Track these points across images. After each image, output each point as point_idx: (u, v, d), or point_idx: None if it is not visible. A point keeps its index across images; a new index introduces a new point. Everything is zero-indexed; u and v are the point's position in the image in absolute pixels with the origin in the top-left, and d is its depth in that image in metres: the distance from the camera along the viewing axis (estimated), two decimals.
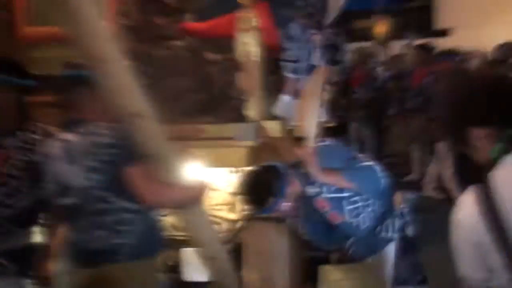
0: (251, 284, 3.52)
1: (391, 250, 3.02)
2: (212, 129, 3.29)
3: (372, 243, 3.02)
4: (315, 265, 4.02)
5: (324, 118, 4.90)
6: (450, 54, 6.62)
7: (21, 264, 2.54)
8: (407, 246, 3.02)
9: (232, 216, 3.64)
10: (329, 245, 3.19)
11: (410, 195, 3.15)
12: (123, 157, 2.21)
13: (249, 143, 3.17)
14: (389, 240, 3.00)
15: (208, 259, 3.10)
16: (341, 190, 2.83)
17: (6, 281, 2.52)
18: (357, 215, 2.88)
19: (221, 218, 3.67)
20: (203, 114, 3.36)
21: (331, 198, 2.84)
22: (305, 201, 2.90)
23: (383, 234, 2.99)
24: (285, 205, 2.83)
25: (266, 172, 2.84)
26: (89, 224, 2.29)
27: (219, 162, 3.33)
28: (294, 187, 2.85)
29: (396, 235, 3.00)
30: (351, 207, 2.86)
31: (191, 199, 2.48)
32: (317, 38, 4.18)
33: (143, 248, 2.34)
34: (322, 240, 3.15)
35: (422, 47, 6.54)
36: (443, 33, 6.24)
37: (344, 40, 4.97)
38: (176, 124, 3.38)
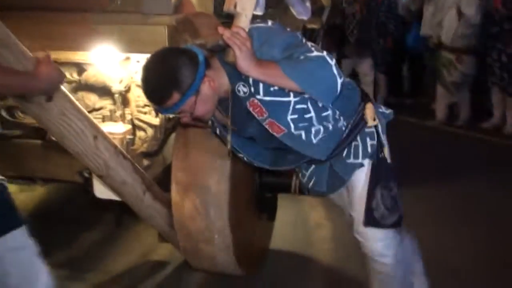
0: (176, 207, 2.78)
1: (360, 180, 2.25)
2: None
3: (338, 171, 2.24)
4: (272, 193, 3.33)
5: (305, 15, 3.98)
6: None
7: None
8: (381, 176, 2.23)
9: (157, 121, 2.84)
10: (276, 167, 2.40)
11: (384, 110, 2.34)
12: None
13: (166, 19, 2.31)
14: (357, 166, 2.21)
15: (97, 176, 2.35)
16: (283, 92, 1.98)
17: None
18: (307, 127, 2.05)
19: (146, 123, 2.87)
20: None
21: (269, 102, 2.00)
22: (235, 103, 2.09)
23: (350, 158, 2.21)
24: (198, 106, 2.03)
25: (174, 56, 2.00)
26: None
27: (132, 46, 2.49)
28: (213, 81, 2.03)
29: (367, 161, 2.21)
30: (296, 116, 2.03)
31: (22, 85, 1.69)
32: None
33: None
34: (262, 160, 2.36)
35: None
36: None
37: None
38: None
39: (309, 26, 4.37)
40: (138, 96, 2.91)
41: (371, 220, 2.23)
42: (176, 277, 3.25)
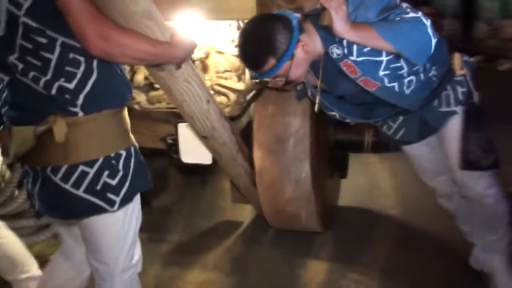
0: (261, 169, 2.89)
1: (454, 127, 2.31)
2: None
3: (429, 120, 2.33)
4: (345, 151, 3.42)
5: None
6: None
7: None
8: (474, 120, 2.30)
9: (241, 85, 2.92)
10: (367, 120, 2.46)
11: (467, 58, 2.40)
12: None
13: None
14: (450, 114, 2.29)
15: (201, 138, 2.47)
16: (375, 52, 2.05)
17: None
18: (400, 78, 2.11)
19: (228, 88, 2.96)
20: None
21: (362, 62, 2.07)
22: (328, 65, 2.17)
23: (442, 107, 2.29)
24: (292, 70, 2.12)
25: (269, 23, 2.08)
26: (25, 66, 1.64)
27: (220, 13, 2.56)
28: (307, 45, 2.11)
29: (459, 108, 2.29)
30: (388, 71, 2.09)
31: (165, 55, 1.78)
32: None
33: (99, 98, 1.70)
34: (354, 115, 2.43)
35: None
36: None
37: None
38: None
39: None
40: (217, 62, 2.99)
41: (467, 162, 2.29)
42: (251, 236, 3.38)
